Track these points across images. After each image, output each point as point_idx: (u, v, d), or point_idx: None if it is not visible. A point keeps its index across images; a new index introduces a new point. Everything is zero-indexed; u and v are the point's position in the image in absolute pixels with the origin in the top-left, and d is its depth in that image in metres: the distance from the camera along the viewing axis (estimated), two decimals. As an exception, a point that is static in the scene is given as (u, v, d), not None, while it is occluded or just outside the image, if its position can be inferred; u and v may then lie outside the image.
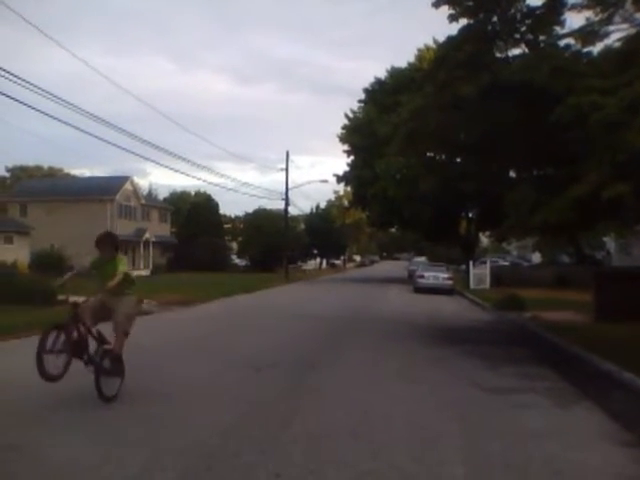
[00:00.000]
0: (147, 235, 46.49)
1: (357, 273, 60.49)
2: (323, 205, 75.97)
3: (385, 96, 37.26)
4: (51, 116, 17.39)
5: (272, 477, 4.31)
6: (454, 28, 12.73)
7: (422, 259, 58.46)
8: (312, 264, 71.56)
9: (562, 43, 12.83)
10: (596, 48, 12.32)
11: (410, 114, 14.42)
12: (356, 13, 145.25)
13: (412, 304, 22.70)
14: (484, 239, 58.32)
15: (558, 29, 12.63)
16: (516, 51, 13.21)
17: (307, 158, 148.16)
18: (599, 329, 12.89)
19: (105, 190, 43.28)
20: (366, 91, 42.26)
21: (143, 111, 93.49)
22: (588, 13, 11.52)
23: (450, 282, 29.53)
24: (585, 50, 12.46)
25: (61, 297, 17.43)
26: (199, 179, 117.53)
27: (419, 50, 39.12)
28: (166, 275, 41.50)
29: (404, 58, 65.83)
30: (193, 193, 65.95)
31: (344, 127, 43.97)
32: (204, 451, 4.84)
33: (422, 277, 30.11)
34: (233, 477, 4.34)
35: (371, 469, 4.55)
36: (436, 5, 12.52)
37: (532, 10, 12.42)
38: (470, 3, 12.35)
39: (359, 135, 40.63)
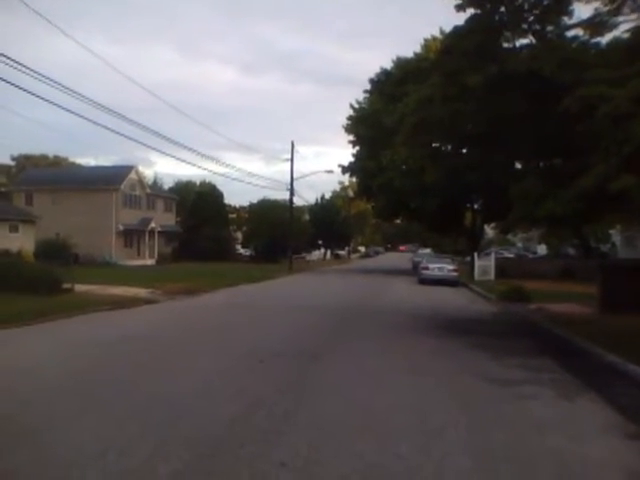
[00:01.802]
0: (152, 224, 46.50)
1: (361, 264, 60.45)
2: (328, 196, 76.29)
3: (391, 86, 37.05)
4: (56, 104, 17.33)
5: (277, 466, 4.34)
6: (461, 18, 12.68)
7: (427, 251, 58.41)
8: (316, 255, 71.47)
9: (570, 34, 12.76)
10: (604, 39, 12.25)
11: (417, 104, 14.39)
12: (362, 4, 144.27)
13: (417, 296, 22.68)
14: (489, 231, 58.14)
15: (566, 20, 12.56)
16: (523, 41, 13.14)
17: (312, 148, 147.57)
18: (604, 321, 12.86)
19: (110, 179, 43.21)
20: (372, 81, 42.03)
21: (149, 101, 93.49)
22: (596, 3, 11.43)
23: (455, 274, 29.39)
24: (593, 41, 12.37)
25: (66, 285, 17.54)
26: (204, 169, 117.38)
27: (426, 40, 38.78)
28: (171, 264, 41.62)
29: (410, 49, 65.59)
30: (198, 183, 65.71)
31: (349, 117, 43.83)
32: (209, 441, 4.86)
33: (427, 269, 29.97)
34: (238, 466, 4.36)
35: (376, 460, 4.55)
36: (443, -6, 12.47)
37: (540, 0, 12.32)
38: (477, -8, 12.28)
39: (364, 125, 40.47)
